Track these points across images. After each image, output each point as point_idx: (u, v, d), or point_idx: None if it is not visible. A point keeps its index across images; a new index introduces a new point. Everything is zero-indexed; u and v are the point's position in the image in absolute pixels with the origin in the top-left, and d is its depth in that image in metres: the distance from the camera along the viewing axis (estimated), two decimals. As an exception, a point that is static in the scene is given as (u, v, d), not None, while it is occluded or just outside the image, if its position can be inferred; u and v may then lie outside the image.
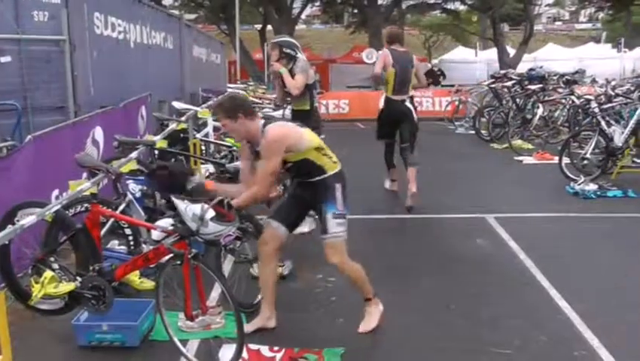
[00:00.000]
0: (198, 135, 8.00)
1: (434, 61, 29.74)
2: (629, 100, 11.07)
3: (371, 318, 4.59)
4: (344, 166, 4.47)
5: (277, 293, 4.64)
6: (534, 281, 5.52)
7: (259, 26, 33.32)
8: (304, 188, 4.47)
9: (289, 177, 4.86)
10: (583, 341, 4.34)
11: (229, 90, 13.22)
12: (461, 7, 35.52)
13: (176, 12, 18.42)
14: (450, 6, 34.80)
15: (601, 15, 50.04)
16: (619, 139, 9.27)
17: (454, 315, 4.82)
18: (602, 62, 26.94)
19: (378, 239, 7.01)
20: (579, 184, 8.96)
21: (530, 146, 13.11)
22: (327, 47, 42.55)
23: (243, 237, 4.80)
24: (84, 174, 6.06)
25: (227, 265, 5.54)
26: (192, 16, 33.65)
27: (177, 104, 8.96)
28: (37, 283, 4.17)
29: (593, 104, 10.16)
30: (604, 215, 7.79)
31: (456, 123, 17.58)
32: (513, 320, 4.69)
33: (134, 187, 4.84)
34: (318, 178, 4.36)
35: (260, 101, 12.76)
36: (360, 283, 4.57)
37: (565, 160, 9.63)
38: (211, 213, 3.73)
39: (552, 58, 28.59)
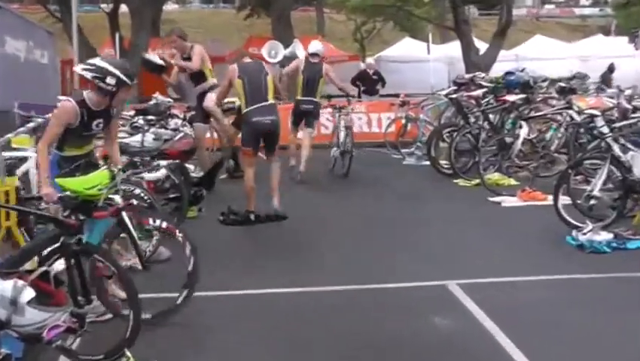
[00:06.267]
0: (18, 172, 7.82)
1: (369, 60, 29.54)
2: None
3: None
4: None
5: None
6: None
7: (108, 6, 32.75)
8: None
9: None
10: None
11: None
12: (407, -19, 35.96)
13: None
14: (390, -21, 35.20)
15: (611, -3, 51.58)
16: (640, 169, 9.50)
17: None
18: (613, 61, 27.51)
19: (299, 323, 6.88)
20: (585, 233, 9.14)
21: (512, 181, 13.38)
22: (210, 36, 42.43)
23: (79, 328, 4.55)
24: None
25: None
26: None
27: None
28: None
29: (600, 122, 10.43)
30: (622, 275, 7.99)
31: (403, 151, 17.91)
32: None
33: None
34: None
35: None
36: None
37: (564, 200, 9.89)
38: (29, 293, 3.65)
39: (541, 56, 29.17)
